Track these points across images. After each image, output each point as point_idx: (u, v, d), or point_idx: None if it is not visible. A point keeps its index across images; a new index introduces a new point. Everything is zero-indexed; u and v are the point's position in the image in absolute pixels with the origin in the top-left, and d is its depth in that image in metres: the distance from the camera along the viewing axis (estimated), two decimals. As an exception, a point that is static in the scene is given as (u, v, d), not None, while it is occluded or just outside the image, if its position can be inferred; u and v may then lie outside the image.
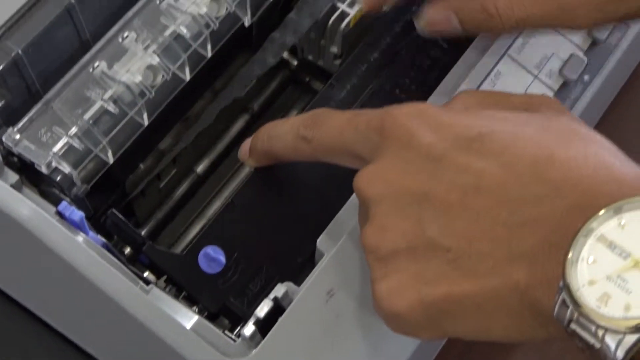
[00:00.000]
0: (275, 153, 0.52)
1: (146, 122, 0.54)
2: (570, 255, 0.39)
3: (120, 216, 0.52)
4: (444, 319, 0.43)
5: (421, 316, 0.43)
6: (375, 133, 0.45)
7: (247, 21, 0.57)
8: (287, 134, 0.50)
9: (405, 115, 0.45)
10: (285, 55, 0.63)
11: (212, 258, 0.52)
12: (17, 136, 0.51)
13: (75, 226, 0.50)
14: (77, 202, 0.52)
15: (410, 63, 0.58)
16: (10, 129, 0.51)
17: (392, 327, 0.45)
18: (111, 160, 0.53)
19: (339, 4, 0.59)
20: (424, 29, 0.55)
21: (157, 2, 0.54)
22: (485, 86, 0.56)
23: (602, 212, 0.39)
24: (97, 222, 0.54)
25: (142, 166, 0.58)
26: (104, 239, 0.51)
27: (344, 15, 0.58)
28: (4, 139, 0.51)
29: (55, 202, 0.50)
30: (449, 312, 0.42)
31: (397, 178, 0.44)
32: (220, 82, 0.61)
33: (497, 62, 0.57)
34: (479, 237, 0.42)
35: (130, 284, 0.48)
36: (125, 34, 0.53)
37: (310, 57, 0.62)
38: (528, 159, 0.42)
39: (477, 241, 0.42)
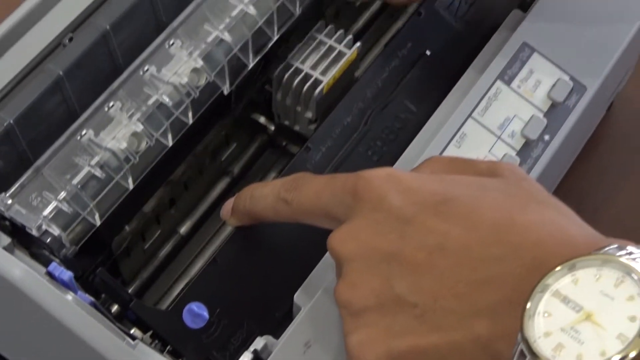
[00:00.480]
0: (256, 213, 0.54)
1: (131, 186, 0.56)
2: (527, 309, 0.41)
3: (108, 275, 0.55)
4: None
5: None
6: (349, 196, 0.49)
7: (225, 90, 0.60)
8: (269, 196, 0.53)
9: (377, 178, 0.48)
10: (263, 120, 0.66)
11: (196, 314, 0.55)
12: (9, 201, 0.53)
13: (65, 285, 0.52)
14: (66, 262, 0.54)
15: (381, 126, 0.61)
16: (2, 195, 0.53)
17: None
18: (98, 222, 0.55)
19: (313, 72, 0.62)
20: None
21: (141, 73, 0.57)
22: (452, 147, 0.59)
23: (557, 269, 0.42)
24: (85, 281, 0.57)
25: (127, 228, 0.61)
26: (92, 298, 0.53)
27: (317, 82, 0.62)
28: (-4, 204, 0.54)
29: (45, 263, 0.53)
30: None
31: (368, 238, 0.47)
32: (200, 146, 0.64)
33: (462, 124, 0.60)
34: (444, 294, 0.45)
35: (117, 339, 0.51)
36: (111, 104, 0.56)
37: (286, 123, 0.65)
38: (489, 222, 0.45)
39: (442, 298, 0.45)
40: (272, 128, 0.66)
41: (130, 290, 0.61)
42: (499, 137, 0.61)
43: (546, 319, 0.41)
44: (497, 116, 0.61)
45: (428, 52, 0.64)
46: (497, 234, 0.45)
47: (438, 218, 0.46)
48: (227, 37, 0.59)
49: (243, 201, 0.55)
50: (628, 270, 0.41)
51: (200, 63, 0.58)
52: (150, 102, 0.57)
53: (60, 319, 0.51)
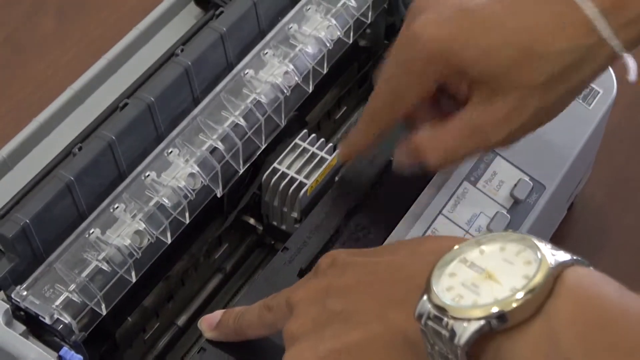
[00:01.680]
0: (242, 327, 0.60)
1: (134, 279, 0.62)
2: (434, 273, 0.48)
3: None
4: None
5: None
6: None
7: (219, 193, 0.67)
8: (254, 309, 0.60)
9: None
10: (252, 222, 0.72)
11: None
12: (24, 293, 0.59)
13: (75, 369, 0.58)
14: (76, 348, 0.59)
15: (356, 225, 0.67)
16: (18, 287, 0.59)
17: None
18: (104, 312, 0.61)
19: (297, 176, 0.68)
20: (399, 169, 0.64)
21: (143, 178, 0.64)
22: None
23: (463, 243, 0.48)
24: (92, 367, 0.62)
25: (129, 319, 0.66)
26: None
27: (301, 185, 0.68)
28: (12, 295, 0.59)
29: (57, 349, 0.58)
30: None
31: (312, 285, 0.56)
32: (196, 245, 0.70)
33: (434, 220, 0.67)
34: (364, 297, 0.52)
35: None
36: (116, 205, 0.62)
37: (274, 223, 0.71)
38: (407, 251, 0.54)
39: (362, 300, 0.52)
40: (261, 228, 0.72)
41: (131, 379, 0.66)
42: (467, 232, 0.67)
43: (450, 278, 0.47)
44: (465, 213, 0.67)
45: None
46: (412, 253, 0.53)
47: (369, 257, 0.54)
48: (219, 145, 0.66)
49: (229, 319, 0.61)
50: (530, 245, 0.47)
51: (196, 168, 0.64)
52: (151, 203, 0.63)
53: (71, 398, 0.56)
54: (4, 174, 0.67)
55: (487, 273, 0.47)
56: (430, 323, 0.46)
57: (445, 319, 0.46)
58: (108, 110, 0.67)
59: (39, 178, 0.63)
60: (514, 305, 0.44)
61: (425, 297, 0.47)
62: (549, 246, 0.47)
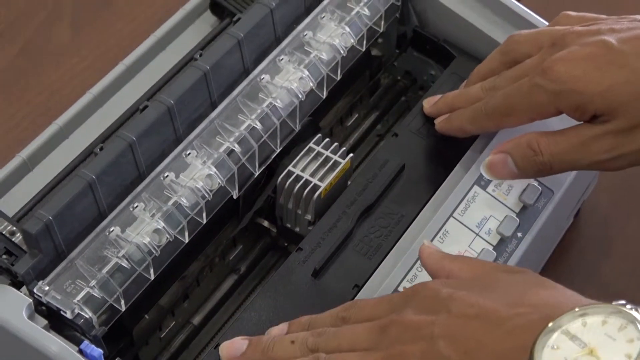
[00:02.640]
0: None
1: (153, 277, 0.64)
2: (538, 342, 0.49)
3: None
4: None
5: None
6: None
7: (235, 194, 0.68)
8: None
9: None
10: (267, 224, 0.74)
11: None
12: (46, 288, 0.60)
13: (95, 362, 0.59)
14: (96, 342, 0.61)
15: (369, 226, 0.69)
16: (40, 282, 0.61)
17: None
18: (123, 308, 0.62)
19: (311, 179, 0.70)
20: (487, 173, 0.67)
21: (162, 178, 0.65)
22: (435, 242, 0.67)
23: (567, 313, 0.49)
24: (111, 364, 0.63)
25: (146, 317, 0.67)
26: (118, 374, 0.60)
27: (315, 188, 0.70)
28: (35, 290, 0.60)
29: (77, 343, 0.60)
30: None
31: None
32: (211, 247, 0.71)
33: (445, 223, 0.68)
34: (473, 347, 0.52)
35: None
36: (136, 204, 0.64)
37: (288, 225, 0.73)
38: (516, 294, 0.54)
39: (471, 351, 0.52)
40: (275, 231, 0.74)
41: (148, 375, 0.68)
42: (477, 234, 0.68)
43: (554, 351, 0.48)
44: (475, 216, 0.69)
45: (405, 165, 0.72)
46: (515, 304, 0.53)
47: (471, 294, 0.55)
48: (236, 147, 0.67)
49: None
50: (632, 319, 0.48)
51: (213, 170, 0.66)
52: (170, 203, 0.64)
53: (93, 389, 0.57)
54: (24, 175, 0.69)
55: (589, 349, 0.48)
56: None
57: None
58: (128, 112, 0.68)
59: (62, 176, 0.65)
60: None
61: None
62: None
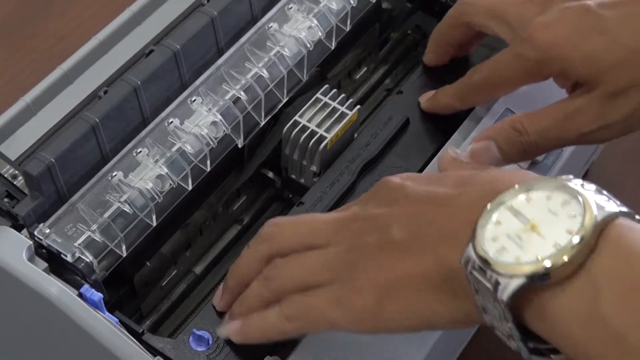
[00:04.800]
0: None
1: (155, 223, 0.63)
2: (481, 218, 0.48)
3: (122, 315, 0.61)
4: (388, 301, 0.52)
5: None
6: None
7: (240, 143, 0.67)
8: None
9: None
10: (271, 175, 0.73)
11: (200, 337, 0.60)
12: (47, 231, 0.60)
13: (94, 306, 0.58)
14: (96, 287, 0.60)
15: (372, 180, 0.68)
16: (41, 225, 0.60)
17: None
18: (125, 253, 0.62)
19: (318, 130, 0.69)
20: (470, 161, 0.65)
21: (166, 124, 0.64)
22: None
23: (515, 187, 0.49)
24: (111, 309, 0.63)
25: (148, 264, 0.67)
26: (117, 318, 0.60)
27: (321, 138, 0.69)
28: (36, 232, 0.60)
29: (77, 287, 0.59)
30: (392, 292, 0.52)
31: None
32: (215, 196, 0.71)
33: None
34: (420, 227, 0.52)
35: (144, 354, 0.57)
36: (139, 150, 0.63)
37: (293, 176, 0.72)
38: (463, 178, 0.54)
39: (418, 232, 0.52)
40: (279, 182, 0.73)
41: (147, 323, 0.67)
42: (484, 189, 0.67)
43: (496, 227, 0.48)
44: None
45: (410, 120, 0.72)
46: (465, 182, 0.53)
47: (426, 187, 0.55)
48: (242, 95, 0.67)
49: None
50: (575, 194, 0.47)
51: (218, 117, 0.65)
52: (174, 149, 0.63)
53: (93, 333, 0.57)
54: (28, 119, 0.68)
55: (531, 224, 0.47)
56: (475, 273, 0.47)
57: (489, 272, 0.47)
58: (134, 57, 0.67)
59: (65, 121, 0.64)
60: (557, 264, 0.45)
61: (470, 246, 0.48)
62: (596, 195, 0.47)
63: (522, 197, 0.49)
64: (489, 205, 0.49)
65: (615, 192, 0.82)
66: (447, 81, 0.72)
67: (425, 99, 0.72)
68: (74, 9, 0.95)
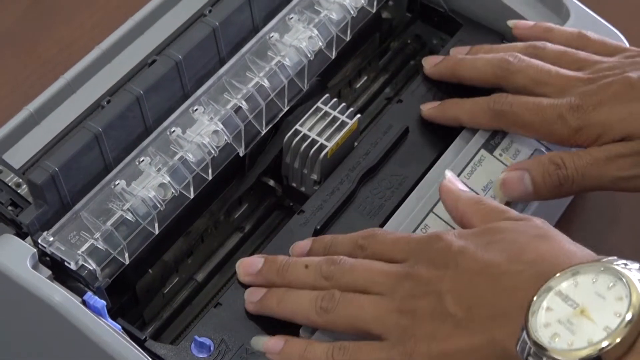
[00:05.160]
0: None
1: (157, 231, 0.64)
2: (532, 305, 0.50)
3: (125, 322, 0.62)
4: None
5: None
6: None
7: (241, 152, 0.68)
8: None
9: None
10: (272, 183, 0.74)
11: (202, 344, 0.61)
12: (51, 238, 0.61)
13: (97, 313, 0.59)
14: (99, 294, 0.61)
15: (372, 188, 0.69)
16: (45, 233, 0.61)
17: None
18: (127, 260, 0.62)
19: (318, 138, 0.70)
20: (499, 190, 0.67)
21: (168, 133, 0.65)
22: (440, 204, 0.66)
23: (560, 274, 0.51)
24: (114, 316, 0.64)
25: (150, 271, 0.68)
26: (120, 325, 0.60)
27: (322, 147, 0.69)
28: (39, 240, 0.60)
29: (80, 294, 0.60)
30: None
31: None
32: (216, 204, 0.71)
33: (450, 186, 0.68)
34: (474, 303, 0.54)
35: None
36: (142, 159, 0.64)
37: (294, 184, 0.72)
38: (514, 249, 0.55)
39: (472, 307, 0.54)
40: (280, 190, 0.74)
41: (150, 329, 0.68)
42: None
43: (547, 313, 0.50)
44: (481, 179, 0.69)
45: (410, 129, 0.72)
46: (515, 260, 0.55)
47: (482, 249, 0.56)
48: (243, 105, 0.67)
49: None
50: (620, 276, 0.49)
51: (220, 126, 0.66)
52: (176, 158, 0.64)
53: (95, 340, 0.58)
54: (32, 128, 0.69)
55: (580, 309, 0.49)
56: (530, 359, 0.49)
57: (545, 358, 0.49)
58: (137, 67, 0.68)
59: (68, 130, 0.65)
60: (608, 347, 0.47)
61: (524, 334, 0.50)
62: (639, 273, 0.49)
63: (570, 281, 0.50)
64: (539, 291, 0.51)
65: (614, 198, 0.83)
66: (447, 91, 0.73)
67: (429, 107, 0.72)
68: (78, 17, 0.95)
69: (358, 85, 0.81)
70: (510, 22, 0.75)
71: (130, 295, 0.67)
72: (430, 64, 0.74)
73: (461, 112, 0.70)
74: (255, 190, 0.74)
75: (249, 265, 0.64)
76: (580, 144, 0.66)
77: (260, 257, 0.64)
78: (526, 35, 0.73)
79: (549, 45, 0.70)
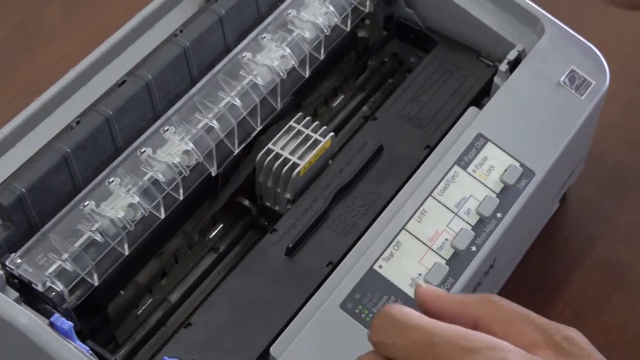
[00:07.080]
0: None
1: (127, 252, 0.63)
2: None
3: (94, 344, 0.61)
4: None
5: None
6: None
7: (213, 172, 0.68)
8: None
9: None
10: (247, 203, 0.74)
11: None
12: (18, 260, 0.60)
13: (65, 335, 0.59)
14: (67, 316, 0.61)
15: (345, 206, 0.69)
16: (12, 255, 0.61)
17: None
18: (96, 282, 0.62)
19: (291, 157, 0.70)
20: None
21: (138, 153, 0.65)
22: (413, 221, 0.66)
23: None
24: (84, 338, 0.63)
25: (122, 293, 0.67)
26: (88, 347, 0.60)
27: (294, 165, 0.69)
28: (7, 262, 0.60)
29: (48, 316, 0.60)
30: None
31: None
32: (190, 224, 0.71)
33: (423, 202, 0.67)
34: None
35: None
36: (111, 179, 0.64)
37: (267, 204, 0.72)
38: None
39: None
40: (255, 210, 0.74)
41: (122, 351, 0.67)
42: (455, 214, 0.68)
43: None
44: (454, 196, 0.68)
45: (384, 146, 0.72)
46: None
47: None
48: (215, 124, 0.67)
49: None
50: None
51: (191, 145, 0.66)
52: (146, 178, 0.64)
53: (61, 361, 0.57)
54: (6, 151, 0.68)
55: None
56: None
57: None
58: (110, 89, 0.68)
59: (41, 152, 0.65)
60: None
61: None
62: None
63: None
64: None
65: (593, 216, 0.83)
66: (423, 108, 0.73)
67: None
68: (59, 41, 0.96)
69: (335, 104, 0.81)
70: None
71: (102, 317, 0.66)
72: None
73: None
74: (230, 210, 0.73)
75: None
76: None
77: None
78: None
79: None
